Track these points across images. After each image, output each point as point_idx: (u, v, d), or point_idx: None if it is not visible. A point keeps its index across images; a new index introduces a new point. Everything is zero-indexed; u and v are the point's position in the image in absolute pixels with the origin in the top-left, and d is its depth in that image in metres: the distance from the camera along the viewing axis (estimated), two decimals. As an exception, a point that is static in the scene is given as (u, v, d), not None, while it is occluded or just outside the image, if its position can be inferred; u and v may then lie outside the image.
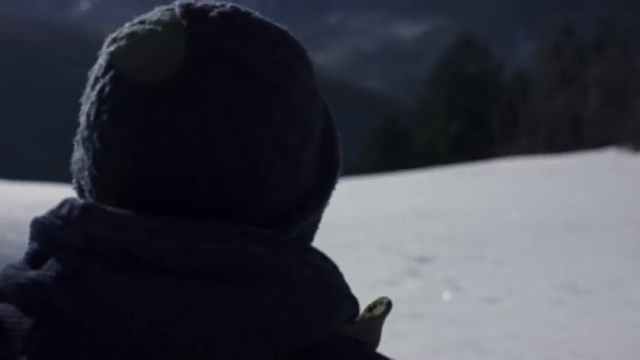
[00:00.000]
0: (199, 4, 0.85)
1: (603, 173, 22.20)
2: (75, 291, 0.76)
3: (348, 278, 0.87)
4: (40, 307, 0.78)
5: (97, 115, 0.82)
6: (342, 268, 0.87)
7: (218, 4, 0.86)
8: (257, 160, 0.80)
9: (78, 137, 0.87)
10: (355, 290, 0.87)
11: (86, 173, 0.84)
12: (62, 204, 0.82)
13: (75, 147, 0.88)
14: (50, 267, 0.78)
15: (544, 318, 7.52)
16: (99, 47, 0.87)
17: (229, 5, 0.85)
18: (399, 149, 45.81)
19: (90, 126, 0.83)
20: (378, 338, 0.88)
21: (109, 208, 0.80)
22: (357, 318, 0.86)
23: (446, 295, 8.67)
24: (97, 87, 0.83)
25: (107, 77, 0.82)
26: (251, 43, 0.82)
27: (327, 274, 0.82)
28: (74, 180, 0.89)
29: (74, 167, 0.88)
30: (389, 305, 0.89)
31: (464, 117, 45.71)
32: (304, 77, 0.85)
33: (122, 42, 0.83)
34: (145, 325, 0.75)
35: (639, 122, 32.69)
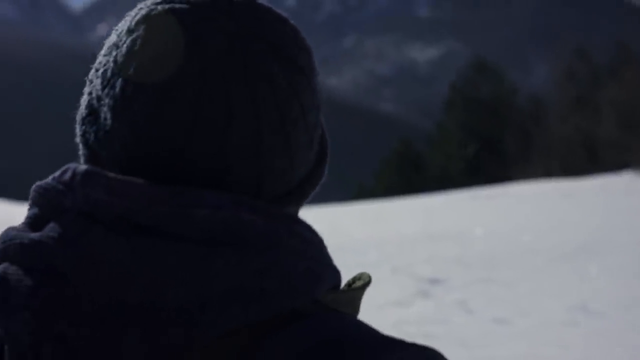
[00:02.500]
0: None
1: (618, 196, 22.11)
2: (77, 253, 0.78)
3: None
4: (43, 268, 0.80)
5: (137, 89, 0.83)
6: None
7: None
8: (291, 137, 0.85)
9: (98, 106, 0.86)
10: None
11: (117, 144, 0.84)
12: (65, 171, 0.83)
13: (84, 115, 0.88)
14: (52, 230, 0.81)
15: (555, 339, 7.46)
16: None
17: None
18: (414, 172, 45.82)
19: (126, 98, 0.83)
20: (357, 309, 0.92)
21: (111, 174, 0.81)
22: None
23: (457, 317, 8.63)
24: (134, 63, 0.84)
25: (147, 50, 0.83)
26: (279, 27, 0.87)
27: (314, 245, 0.85)
28: (82, 152, 0.89)
29: (89, 138, 0.87)
30: (368, 279, 0.92)
31: (479, 140, 45.69)
32: (315, 64, 0.91)
33: (160, 13, 0.85)
34: (141, 288, 0.77)
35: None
